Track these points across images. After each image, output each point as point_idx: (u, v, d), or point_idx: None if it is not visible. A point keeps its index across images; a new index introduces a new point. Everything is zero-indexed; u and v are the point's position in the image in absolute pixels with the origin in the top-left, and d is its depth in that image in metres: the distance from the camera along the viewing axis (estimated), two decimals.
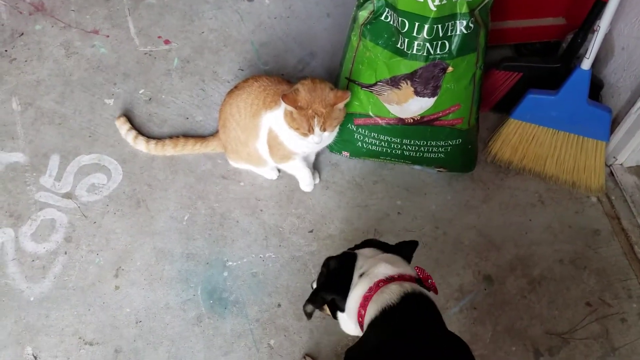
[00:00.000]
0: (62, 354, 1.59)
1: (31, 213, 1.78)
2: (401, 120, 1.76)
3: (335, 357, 1.63)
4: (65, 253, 1.73)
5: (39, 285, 1.68)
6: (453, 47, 1.62)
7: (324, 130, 1.55)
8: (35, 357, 1.58)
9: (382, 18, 1.61)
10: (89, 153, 1.90)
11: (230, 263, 1.75)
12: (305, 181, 1.85)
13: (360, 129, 1.81)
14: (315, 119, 1.53)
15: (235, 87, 1.76)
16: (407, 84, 1.70)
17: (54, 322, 1.63)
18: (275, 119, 1.64)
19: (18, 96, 2.01)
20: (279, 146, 1.67)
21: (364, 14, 1.64)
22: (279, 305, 1.69)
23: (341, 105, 1.56)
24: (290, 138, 1.63)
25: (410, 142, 1.81)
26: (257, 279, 1.73)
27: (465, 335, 1.66)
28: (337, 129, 1.64)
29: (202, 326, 1.65)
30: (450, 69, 1.65)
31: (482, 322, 1.69)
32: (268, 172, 1.88)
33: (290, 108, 1.53)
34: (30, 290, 1.67)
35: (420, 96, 1.71)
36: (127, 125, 1.90)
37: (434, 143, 1.81)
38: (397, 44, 1.64)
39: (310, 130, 1.54)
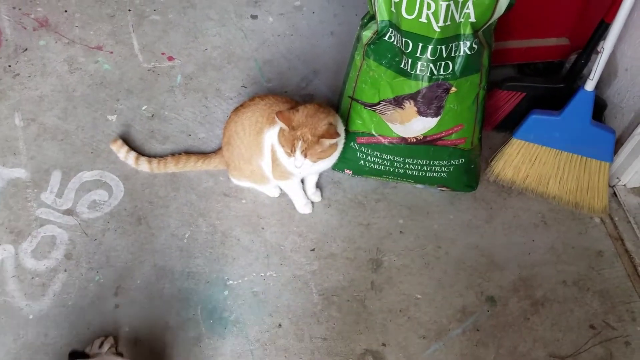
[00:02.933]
0: None
1: (32, 230, 1.77)
2: (404, 139, 1.76)
3: None
4: (65, 270, 1.72)
5: (39, 303, 1.66)
6: (456, 67, 1.62)
7: (305, 156, 1.56)
8: None
9: (386, 38, 1.61)
10: (90, 169, 1.90)
11: (231, 282, 1.74)
12: (299, 203, 1.85)
13: (363, 148, 1.81)
14: (300, 143, 1.54)
15: (241, 105, 1.77)
16: (410, 103, 1.69)
17: (52, 341, 1.61)
18: (275, 136, 1.65)
19: (21, 112, 2.01)
20: (277, 162, 1.68)
21: (367, 34, 1.64)
22: (280, 325, 1.68)
23: (328, 142, 1.56)
24: (284, 156, 1.63)
25: (413, 161, 1.80)
26: (258, 298, 1.72)
27: (466, 358, 1.64)
28: (326, 161, 1.64)
29: (201, 346, 1.63)
30: (453, 89, 1.65)
31: (485, 344, 1.67)
32: (270, 190, 1.88)
33: (282, 125, 1.55)
34: (30, 307, 1.66)
35: (423, 116, 1.70)
36: (125, 148, 1.89)
37: (436, 162, 1.80)
38: (401, 64, 1.64)
39: (293, 152, 1.56)
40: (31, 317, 1.64)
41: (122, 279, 1.72)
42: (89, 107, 2.04)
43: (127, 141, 1.94)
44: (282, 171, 1.69)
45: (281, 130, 1.59)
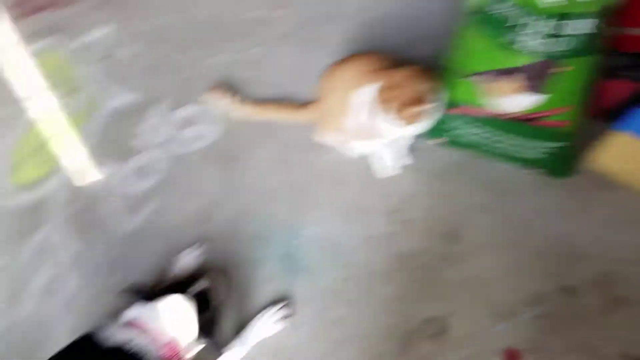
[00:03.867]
0: None
1: (134, 153, 1.91)
2: (502, 114, 1.71)
3: (399, 338, 1.63)
4: (160, 195, 1.84)
5: (133, 221, 1.80)
6: (569, 46, 1.54)
7: (396, 119, 1.55)
8: (122, 287, 1.70)
9: (496, 7, 1.55)
10: (193, 104, 2.00)
11: (307, 230, 1.79)
12: (383, 166, 1.85)
13: (460, 118, 1.78)
14: (393, 105, 1.53)
15: (342, 60, 1.78)
16: (514, 78, 1.64)
17: (141, 257, 1.74)
18: (371, 95, 1.65)
19: (145, 40, 2.12)
20: (369, 122, 1.68)
21: (476, 1, 1.59)
22: (349, 278, 1.72)
23: (422, 107, 1.54)
24: (374, 116, 1.63)
25: (509, 138, 1.75)
26: (331, 250, 1.76)
27: (534, 344, 1.61)
28: (418, 127, 1.62)
29: (273, 285, 1.71)
30: (563, 68, 1.57)
31: (555, 332, 1.62)
32: (356, 149, 1.89)
33: (379, 84, 1.55)
34: (124, 224, 1.79)
35: (526, 92, 1.65)
36: (227, 91, 1.98)
37: (533, 143, 1.75)
38: (509, 36, 1.58)
39: (387, 112, 1.56)
40: (125, 233, 1.78)
41: (208, 211, 1.82)
42: (200, 46, 2.13)
43: (228, 83, 2.02)
44: (372, 131, 1.70)
45: (379, 89, 1.59)
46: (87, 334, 1.35)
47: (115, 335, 1.32)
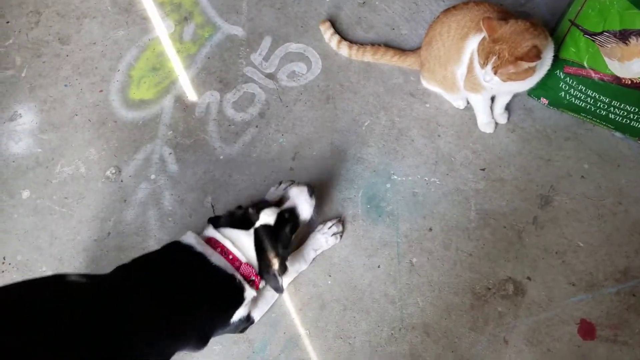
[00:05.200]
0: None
1: (237, 84, 1.99)
2: (617, 79, 1.60)
3: (471, 294, 1.65)
4: (257, 126, 1.92)
5: (230, 147, 1.90)
6: None
7: (495, 72, 1.49)
8: (212, 207, 1.83)
9: None
10: (297, 42, 2.03)
11: (395, 177, 1.81)
12: (482, 120, 1.81)
13: (568, 78, 1.69)
14: (494, 58, 1.47)
15: (453, 7, 1.72)
16: (637, 40, 1.52)
17: (234, 182, 1.85)
18: (477, 44, 1.60)
19: None
20: (472, 73, 1.64)
21: None
22: (430, 229, 1.73)
23: (525, 65, 1.46)
24: (477, 66, 1.58)
25: (620, 105, 1.65)
26: (416, 199, 1.77)
27: (612, 319, 1.57)
28: (521, 84, 1.54)
29: (354, 225, 1.76)
30: None
31: (638, 311, 1.57)
32: (456, 100, 1.86)
33: (485, 34, 1.49)
34: (222, 149, 1.90)
35: None
36: (331, 30, 1.98)
37: None
38: None
39: (485, 64, 1.50)
40: (221, 157, 1.89)
41: (301, 147, 1.88)
42: None
43: (335, 24, 2.03)
44: (473, 83, 1.66)
45: (482, 39, 1.53)
46: (175, 241, 1.49)
47: (197, 247, 1.44)
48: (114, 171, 1.90)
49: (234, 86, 1.98)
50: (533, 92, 1.80)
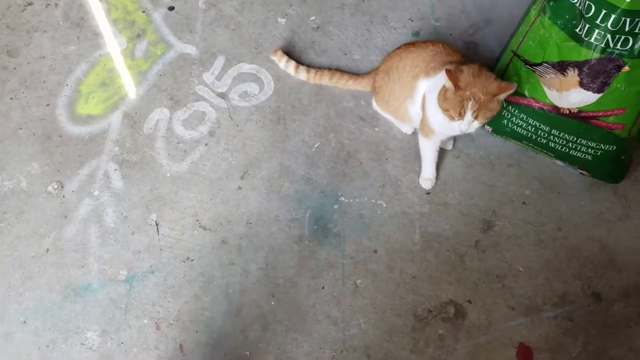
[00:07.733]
0: (178, 228, 1.79)
1: (188, 102, 1.98)
2: (556, 108, 1.66)
3: (413, 316, 1.65)
4: (206, 145, 1.91)
5: (177, 165, 1.88)
6: (637, 46, 1.48)
7: (476, 118, 1.49)
8: (156, 224, 1.80)
9: None
10: (250, 62, 2.04)
11: (342, 199, 1.82)
12: (425, 175, 1.81)
13: (510, 107, 1.74)
14: (470, 104, 1.47)
15: (412, 43, 1.74)
16: (574, 72, 1.59)
17: (180, 200, 1.83)
18: (429, 88, 1.63)
19: None
20: (426, 119, 1.65)
21: None
22: (376, 251, 1.74)
23: (502, 96, 1.50)
24: (436, 116, 1.59)
25: (559, 134, 1.70)
26: (362, 221, 1.78)
27: (550, 343, 1.59)
28: (474, 125, 1.54)
29: (301, 246, 1.75)
30: (626, 68, 1.51)
31: (574, 336, 1.60)
32: (405, 127, 1.89)
33: (448, 84, 1.49)
34: (169, 167, 1.88)
35: (584, 88, 1.59)
36: (285, 58, 1.98)
37: (584, 142, 1.69)
38: (576, 28, 1.53)
39: (462, 114, 1.49)
40: (168, 175, 1.87)
41: (250, 167, 1.87)
42: (265, 6, 2.16)
43: (289, 46, 2.05)
44: (429, 129, 1.67)
45: (443, 91, 1.52)
46: None
47: None
48: (56, 186, 1.85)
49: (184, 104, 1.97)
50: None
